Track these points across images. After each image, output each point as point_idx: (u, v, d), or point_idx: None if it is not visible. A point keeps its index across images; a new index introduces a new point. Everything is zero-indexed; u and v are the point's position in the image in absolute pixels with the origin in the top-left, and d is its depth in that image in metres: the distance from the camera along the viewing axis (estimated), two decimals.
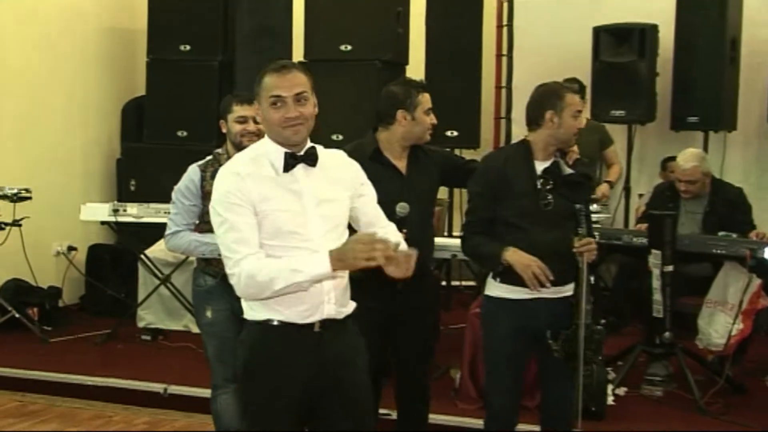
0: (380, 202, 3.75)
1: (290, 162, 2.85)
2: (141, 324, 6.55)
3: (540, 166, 3.72)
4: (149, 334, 6.49)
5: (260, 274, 2.74)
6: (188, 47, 7.24)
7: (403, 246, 2.85)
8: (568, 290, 3.75)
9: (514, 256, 3.60)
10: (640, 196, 6.88)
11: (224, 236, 2.81)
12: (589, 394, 4.68)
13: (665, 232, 4.99)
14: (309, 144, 2.90)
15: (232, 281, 2.80)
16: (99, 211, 6.34)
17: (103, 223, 6.56)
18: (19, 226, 6.31)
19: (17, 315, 6.40)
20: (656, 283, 4.99)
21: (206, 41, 7.21)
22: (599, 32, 6.99)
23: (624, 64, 6.87)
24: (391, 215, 3.64)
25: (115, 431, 5.00)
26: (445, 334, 5.96)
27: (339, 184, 2.95)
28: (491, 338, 3.82)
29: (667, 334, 5.02)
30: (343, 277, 2.94)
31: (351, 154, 3.91)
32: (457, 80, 7.00)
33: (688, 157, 5.60)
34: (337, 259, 2.71)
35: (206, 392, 4.26)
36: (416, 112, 3.91)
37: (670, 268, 4.95)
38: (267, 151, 2.88)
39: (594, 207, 5.55)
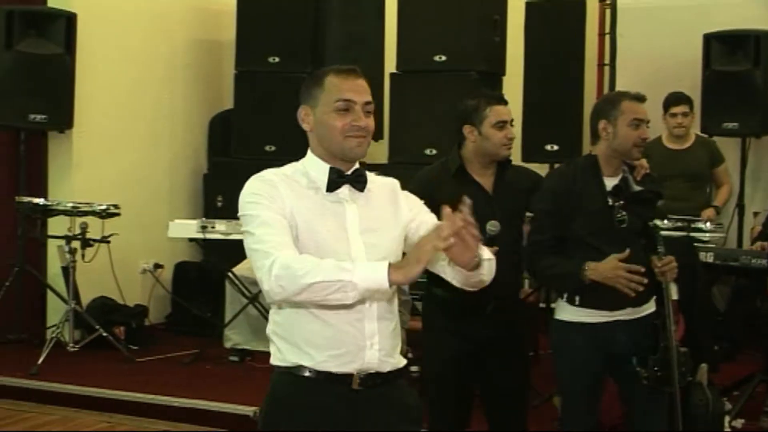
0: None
1: (336, 180, 2.57)
2: (228, 344, 6.62)
3: (609, 182, 3.65)
4: (237, 355, 6.55)
5: (297, 263, 2.37)
6: (277, 59, 7.31)
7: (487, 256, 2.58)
8: (645, 310, 3.69)
9: (596, 271, 3.51)
10: (755, 214, 6.70)
11: (254, 229, 2.48)
12: (704, 425, 4.62)
13: None
14: (357, 165, 2.63)
15: (261, 274, 2.42)
16: (187, 228, 6.43)
17: (190, 240, 6.67)
18: (107, 242, 6.44)
19: (104, 334, 6.50)
20: None
21: (295, 53, 7.26)
22: (710, 39, 6.85)
23: (737, 73, 6.72)
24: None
25: None
26: (546, 358, 5.87)
27: (389, 215, 2.66)
28: (566, 366, 3.75)
29: None
30: (391, 320, 2.59)
31: (437, 171, 3.94)
32: (556, 91, 6.93)
33: None
34: (397, 267, 2.33)
35: None
36: (483, 126, 3.79)
37: None
38: (306, 166, 2.61)
39: (708, 226, 5.46)
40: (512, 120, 3.89)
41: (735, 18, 6.86)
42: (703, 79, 6.88)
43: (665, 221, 5.33)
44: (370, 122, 2.59)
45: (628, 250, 3.49)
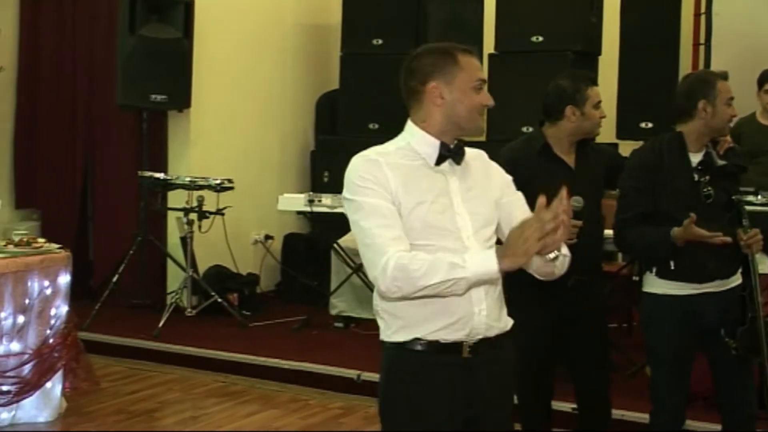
0: (550, 197, 3.69)
1: (444, 154, 2.55)
2: (333, 312, 6.69)
3: (694, 158, 3.59)
4: (342, 321, 6.62)
5: (413, 264, 2.35)
6: (380, 41, 7.32)
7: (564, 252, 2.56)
8: (732, 283, 3.61)
9: (686, 232, 3.41)
10: None
11: (364, 222, 2.44)
12: None
13: None
14: (457, 140, 2.61)
15: (374, 273, 2.41)
16: (295, 202, 6.52)
17: (298, 213, 6.76)
18: (222, 215, 6.55)
19: (219, 300, 6.65)
20: None
21: (398, 35, 7.25)
22: None
23: None
24: None
25: (312, 414, 5.13)
26: (638, 329, 5.79)
27: (486, 183, 2.64)
28: (657, 338, 3.68)
29: None
30: (497, 285, 2.58)
31: (520, 150, 3.90)
32: (652, 71, 6.75)
33: None
34: (504, 255, 2.34)
35: None
36: (585, 107, 3.78)
37: None
38: (412, 142, 2.56)
39: None
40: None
41: None
42: None
43: (758, 197, 5.21)
44: None
45: (693, 215, 3.40)
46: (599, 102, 3.82)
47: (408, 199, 2.47)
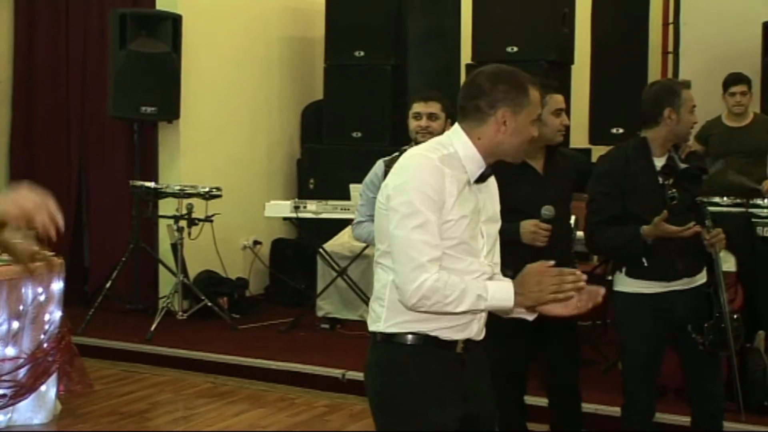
0: (520, 202, 3.70)
1: (486, 174, 2.56)
2: (320, 313, 6.68)
3: (658, 162, 3.62)
4: (328, 323, 6.62)
5: (447, 290, 2.38)
6: (362, 53, 7.32)
7: None
8: (698, 280, 3.64)
9: (657, 228, 3.44)
10: None
11: (413, 233, 2.40)
12: (763, 388, 4.52)
13: None
14: None
15: (406, 287, 2.40)
16: (281, 208, 6.50)
17: (285, 219, 6.75)
18: (211, 221, 6.53)
19: (209, 304, 6.63)
20: None
21: (379, 47, 7.27)
22: None
23: None
24: (532, 216, 3.60)
25: (299, 412, 5.12)
26: (612, 327, 5.80)
27: (496, 206, 2.66)
28: (628, 335, 3.71)
29: None
30: None
31: None
32: (623, 79, 6.78)
33: None
34: (519, 293, 2.41)
35: None
36: (543, 113, 3.63)
37: None
38: (462, 153, 2.52)
39: (766, 202, 5.32)
40: (565, 108, 3.83)
41: None
42: (763, 64, 6.67)
43: (724, 198, 5.23)
44: None
45: (665, 212, 3.44)
46: (560, 110, 3.76)
47: (455, 212, 2.46)
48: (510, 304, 2.42)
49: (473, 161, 2.52)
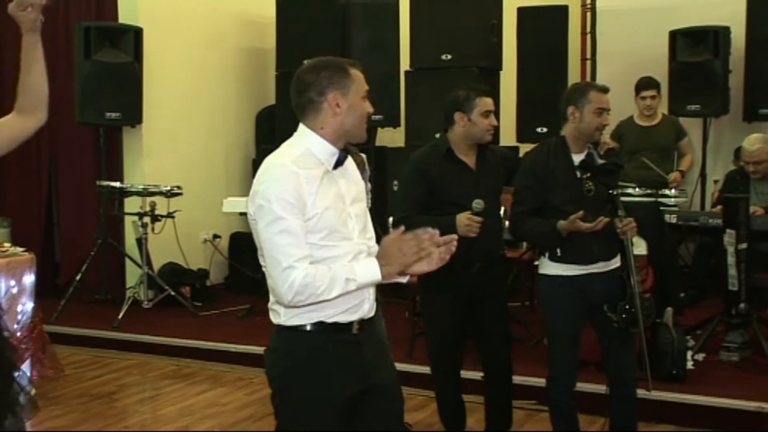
0: (455, 195, 3.73)
1: (342, 158, 2.51)
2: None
3: (577, 158, 3.63)
4: None
5: (316, 282, 2.35)
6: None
7: None
8: (613, 264, 3.68)
9: (571, 224, 3.48)
10: (716, 182, 6.65)
11: (278, 237, 2.36)
12: (671, 359, 4.61)
13: (739, 213, 4.82)
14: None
15: (279, 288, 2.36)
16: (239, 204, 6.43)
17: (242, 214, 6.69)
18: (173, 217, 6.47)
19: (173, 293, 6.59)
20: (731, 260, 4.83)
21: (325, 55, 7.18)
22: (676, 35, 6.78)
23: (700, 63, 6.65)
24: (467, 208, 3.63)
25: (256, 390, 5.10)
26: (539, 306, 5.88)
27: (359, 185, 2.61)
28: (552, 313, 3.74)
29: (742, 305, 4.86)
30: None
31: (428, 154, 3.89)
32: (546, 83, 6.87)
33: (753, 140, 5.47)
34: (384, 264, 2.40)
35: None
36: (473, 114, 3.73)
37: (744, 245, 4.78)
38: (314, 148, 2.47)
39: (673, 192, 5.44)
40: (494, 110, 3.83)
41: (697, 16, 6.78)
42: (670, 69, 6.81)
43: (637, 189, 5.32)
44: None
45: (581, 212, 3.47)
46: (488, 111, 3.75)
47: (318, 205, 2.42)
48: (378, 277, 2.41)
49: (326, 151, 2.48)
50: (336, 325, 2.48)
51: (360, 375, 2.53)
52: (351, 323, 2.51)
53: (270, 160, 2.48)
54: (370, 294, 2.55)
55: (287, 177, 2.39)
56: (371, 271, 2.41)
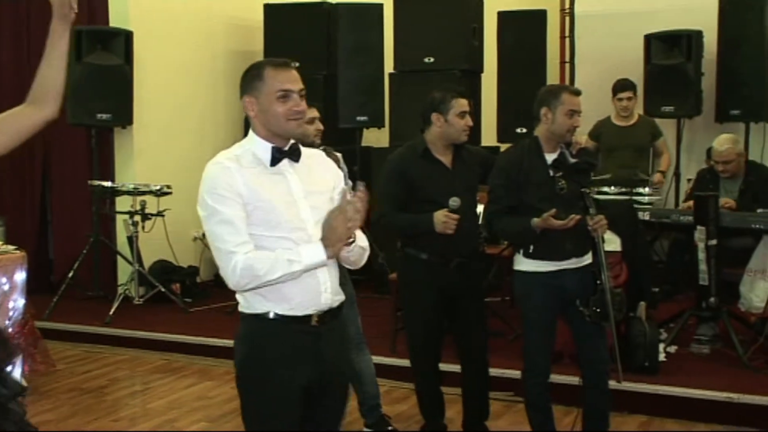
0: (432, 193, 3.74)
1: (277, 156, 2.50)
2: None
3: (549, 157, 3.64)
4: None
5: (257, 265, 2.39)
6: (297, 64, 7.23)
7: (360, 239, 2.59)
8: (586, 260, 3.70)
9: (544, 222, 3.50)
10: (689, 180, 6.70)
11: (216, 227, 2.43)
12: (643, 351, 4.65)
13: (709, 210, 4.86)
14: (292, 141, 2.56)
15: (225, 273, 2.42)
16: None
17: None
18: (163, 216, 6.47)
19: (163, 290, 6.59)
20: (702, 256, 4.86)
21: (312, 59, 7.24)
22: (650, 39, 6.83)
23: (673, 65, 6.71)
24: (444, 206, 3.65)
25: None
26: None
27: (323, 180, 2.61)
28: (527, 308, 3.75)
29: (713, 299, 4.89)
30: (333, 265, 2.58)
31: (406, 154, 3.90)
32: (525, 85, 6.86)
33: (722, 141, 5.52)
34: (327, 245, 2.42)
35: None
36: (449, 115, 3.74)
37: (714, 242, 4.82)
38: (253, 147, 2.52)
39: (646, 190, 5.47)
40: (470, 111, 3.83)
41: (671, 21, 6.82)
42: (646, 71, 6.86)
43: (612, 187, 5.36)
44: (305, 106, 2.54)
45: (554, 210, 3.49)
46: (464, 112, 3.76)
47: (254, 198, 2.44)
48: (323, 258, 2.43)
49: (262, 148, 2.51)
50: (296, 317, 2.50)
51: (314, 365, 2.53)
52: (310, 316, 2.52)
53: (210, 162, 2.53)
54: (327, 287, 2.54)
55: (219, 172, 2.45)
56: (316, 251, 2.42)
